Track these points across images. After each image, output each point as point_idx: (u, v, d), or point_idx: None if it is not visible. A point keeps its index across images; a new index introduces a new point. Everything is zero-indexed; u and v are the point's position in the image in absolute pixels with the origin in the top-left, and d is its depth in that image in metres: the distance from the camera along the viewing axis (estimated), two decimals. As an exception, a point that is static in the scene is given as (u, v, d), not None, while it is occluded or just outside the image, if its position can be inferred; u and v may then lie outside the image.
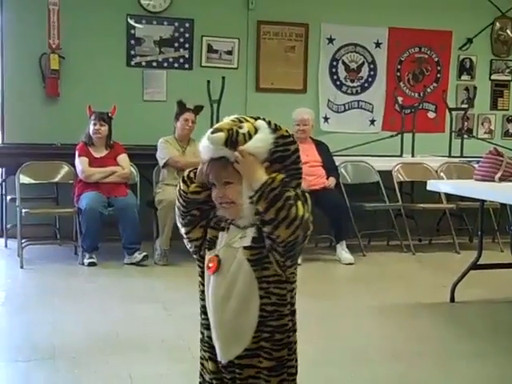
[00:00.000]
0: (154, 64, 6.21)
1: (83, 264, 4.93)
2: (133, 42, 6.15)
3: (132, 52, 6.15)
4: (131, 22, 6.13)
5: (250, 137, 1.59)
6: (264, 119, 1.65)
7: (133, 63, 6.16)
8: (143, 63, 6.19)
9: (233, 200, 1.63)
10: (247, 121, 1.63)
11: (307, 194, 1.63)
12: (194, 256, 1.76)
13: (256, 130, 1.61)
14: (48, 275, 4.67)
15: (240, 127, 1.60)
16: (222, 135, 1.58)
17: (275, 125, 1.64)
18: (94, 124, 5.17)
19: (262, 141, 1.60)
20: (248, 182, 1.59)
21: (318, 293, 4.27)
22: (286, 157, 1.63)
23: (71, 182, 5.29)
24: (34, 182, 5.30)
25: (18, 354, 3.14)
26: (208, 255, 1.70)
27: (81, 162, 5.12)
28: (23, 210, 4.99)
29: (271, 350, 1.65)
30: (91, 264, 4.90)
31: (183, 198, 1.69)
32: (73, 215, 5.17)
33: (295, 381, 1.71)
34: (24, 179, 5.24)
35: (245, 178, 1.59)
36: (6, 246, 5.57)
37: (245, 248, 1.63)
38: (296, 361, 1.72)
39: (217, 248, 1.69)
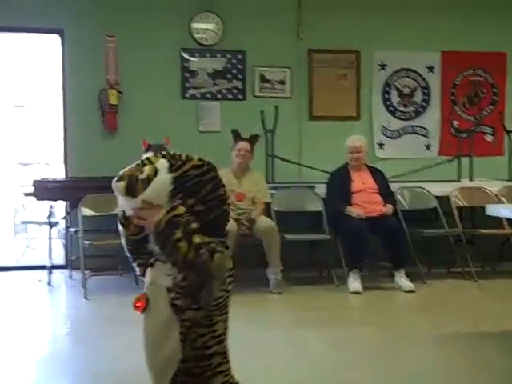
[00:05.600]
0: (208, 95, 6.32)
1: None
2: (187, 74, 6.28)
3: (187, 84, 6.29)
4: (185, 55, 6.27)
5: (149, 182, 1.60)
6: (169, 153, 1.67)
7: (187, 95, 6.29)
8: (198, 95, 6.31)
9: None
10: (151, 162, 1.63)
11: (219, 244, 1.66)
12: None
13: (156, 172, 1.61)
14: (110, 305, 4.76)
15: (141, 172, 1.62)
16: (122, 184, 1.64)
17: (186, 156, 1.65)
18: None
19: (158, 186, 1.61)
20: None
21: (379, 321, 4.22)
22: (199, 188, 1.62)
23: (130, 213, 5.40)
24: (94, 214, 5.44)
25: (82, 381, 3.21)
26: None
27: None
28: (85, 242, 5.12)
29: None
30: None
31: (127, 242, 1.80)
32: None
33: None
34: (85, 211, 5.38)
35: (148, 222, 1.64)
36: (70, 277, 5.72)
37: (168, 290, 1.65)
38: None
39: (144, 285, 1.73)
